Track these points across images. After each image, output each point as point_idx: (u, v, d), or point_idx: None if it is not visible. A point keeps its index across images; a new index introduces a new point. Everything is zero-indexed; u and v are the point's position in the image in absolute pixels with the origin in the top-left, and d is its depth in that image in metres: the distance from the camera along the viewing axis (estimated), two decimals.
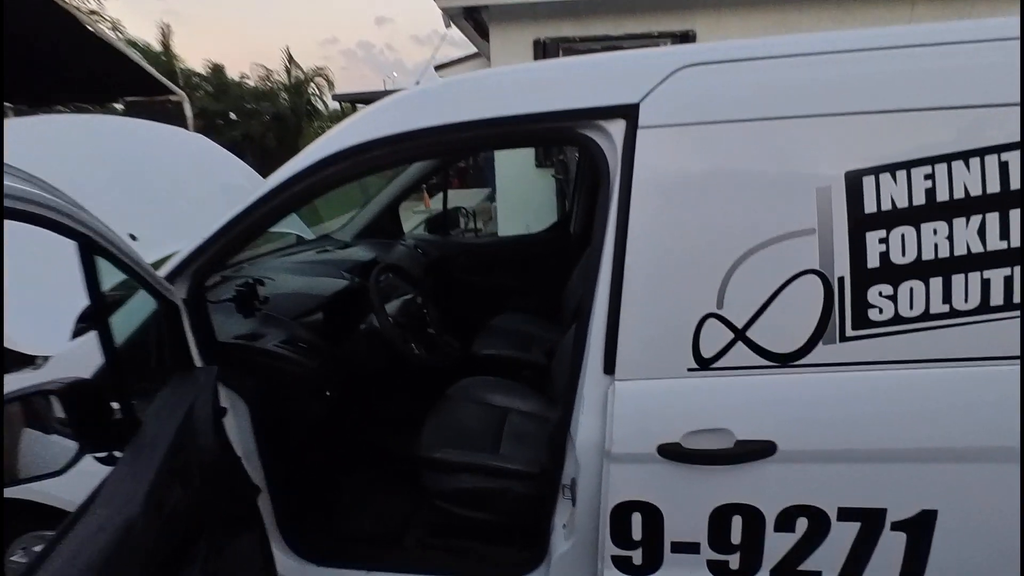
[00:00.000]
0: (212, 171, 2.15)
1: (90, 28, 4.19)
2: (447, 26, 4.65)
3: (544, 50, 4.39)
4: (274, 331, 1.44)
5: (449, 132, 1.06)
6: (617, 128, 1.01)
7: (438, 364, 1.65)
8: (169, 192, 2.02)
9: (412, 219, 5.55)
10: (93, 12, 11.01)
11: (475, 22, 4.62)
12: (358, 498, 1.73)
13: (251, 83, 17.61)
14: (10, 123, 2.16)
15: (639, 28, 4.31)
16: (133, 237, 1.76)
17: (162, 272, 1.18)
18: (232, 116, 16.66)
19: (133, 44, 14.58)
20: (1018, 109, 0.88)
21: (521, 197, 4.59)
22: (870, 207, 0.93)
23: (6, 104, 5.40)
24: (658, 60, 1.02)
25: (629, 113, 0.99)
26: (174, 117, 5.15)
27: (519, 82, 1.10)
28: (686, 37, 4.26)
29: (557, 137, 1.11)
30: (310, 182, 1.14)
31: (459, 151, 1.24)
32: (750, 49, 0.98)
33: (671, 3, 4.17)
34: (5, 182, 0.60)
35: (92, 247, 0.80)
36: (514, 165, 4.70)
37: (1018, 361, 0.92)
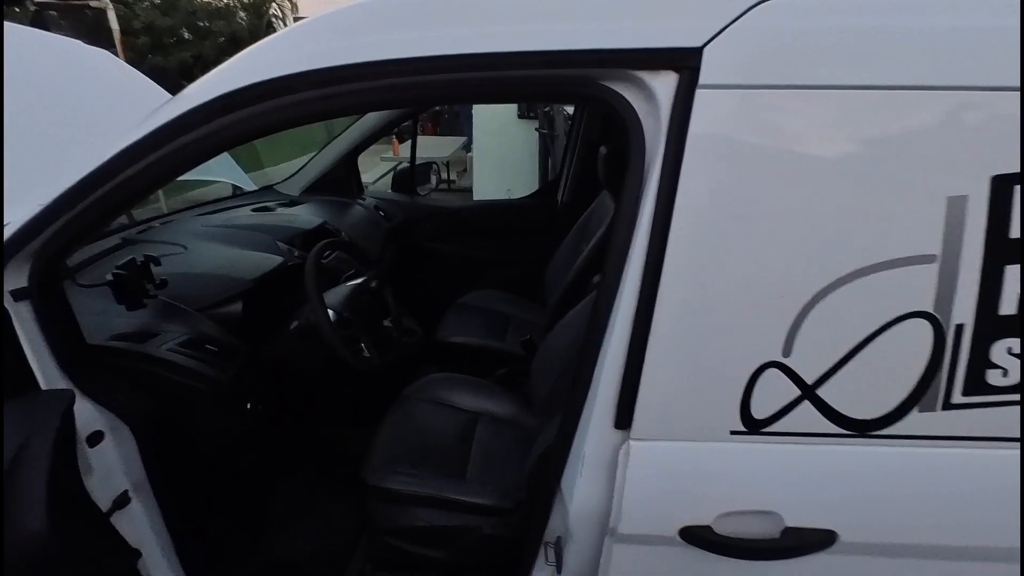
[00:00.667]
0: (113, 96, 1.68)
1: None
2: None
3: None
4: (171, 328, 1.09)
5: (394, 71, 0.70)
6: (664, 84, 0.67)
7: (393, 366, 1.34)
8: (55, 121, 1.57)
9: (378, 167, 5.05)
10: None
11: None
12: (291, 521, 1.45)
13: None
14: None
15: None
16: None
17: None
18: (185, 35, 15.03)
19: None
20: None
21: (500, 151, 4.16)
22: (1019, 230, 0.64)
23: None
24: None
25: (684, 62, 0.66)
26: (94, 29, 4.34)
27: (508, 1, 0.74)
28: None
29: (566, 92, 0.76)
30: (205, 131, 0.77)
31: (407, 102, 0.86)
32: None
33: None
34: None
35: None
36: (494, 115, 4.21)
37: None
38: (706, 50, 0.64)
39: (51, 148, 1.36)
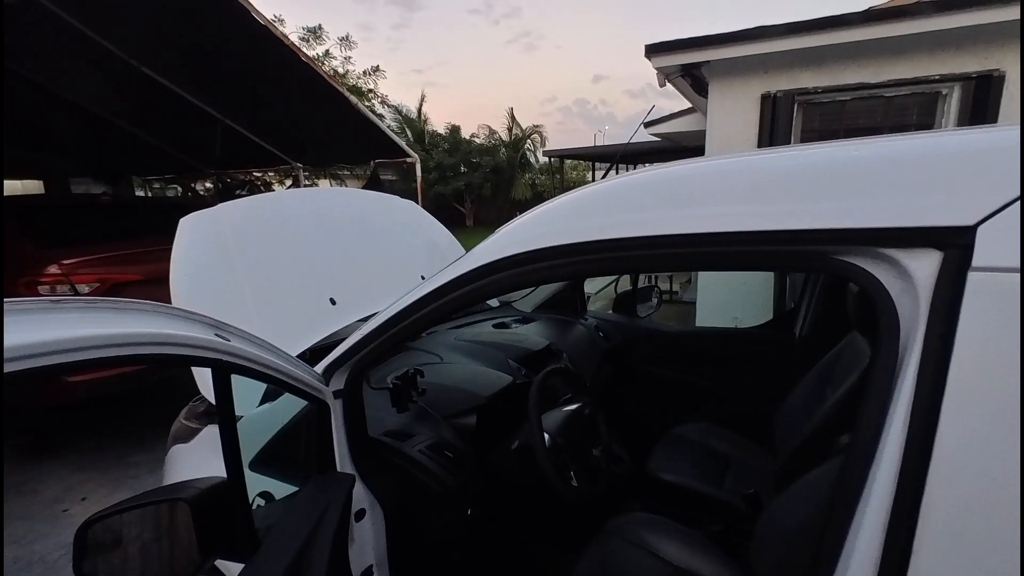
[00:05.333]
0: (415, 234, 2.25)
1: (357, 109, 5.12)
2: (661, 85, 4.42)
3: (774, 106, 3.82)
4: (424, 431, 1.32)
5: (626, 248, 0.79)
6: (923, 265, 0.61)
7: (598, 497, 1.33)
8: (373, 257, 2.16)
9: (604, 287, 5.34)
10: (370, 90, 13.92)
11: (693, 78, 4.30)
12: None
13: (479, 140, 20.03)
14: (272, 195, 2.61)
15: (910, 71, 3.43)
16: (332, 301, 1.90)
17: (324, 364, 1.16)
18: (461, 168, 19.16)
19: (397, 110, 18.02)
20: None
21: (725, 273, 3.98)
22: None
23: (299, 165, 7.01)
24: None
25: (951, 241, 0.59)
26: (409, 174, 6.06)
27: (735, 182, 0.77)
28: (986, 82, 3.23)
29: (799, 265, 0.74)
30: (477, 286, 0.99)
31: (646, 269, 0.94)
32: None
33: (962, 36, 3.21)
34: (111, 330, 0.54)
35: (225, 369, 0.74)
36: None
37: None
38: (981, 229, 0.57)
39: (370, 279, 1.89)
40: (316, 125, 5.71)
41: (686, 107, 6.94)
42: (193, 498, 0.85)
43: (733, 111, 4.02)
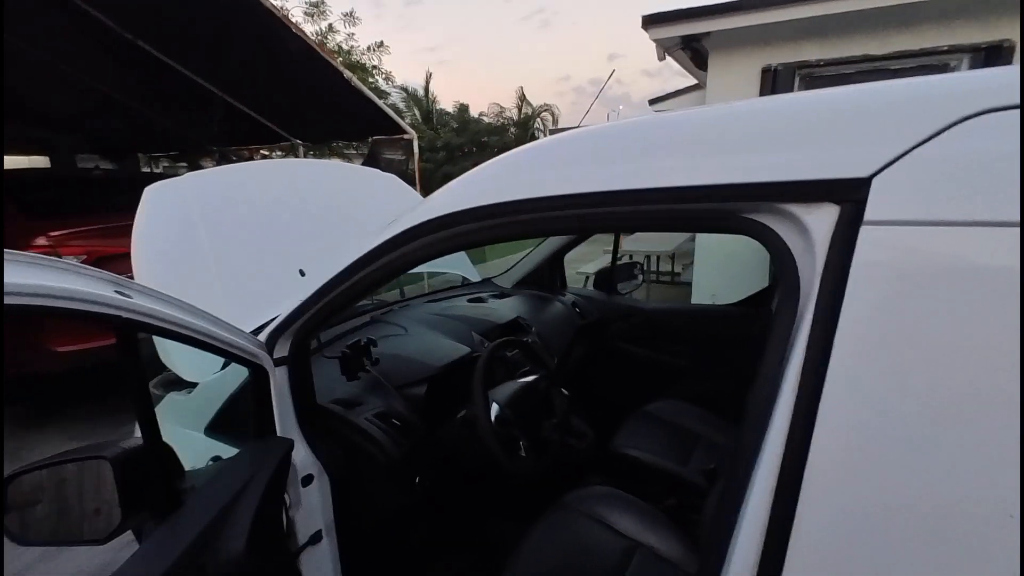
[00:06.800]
0: (396, 207, 2.22)
1: (353, 84, 5.06)
2: (661, 59, 4.30)
3: (775, 79, 3.70)
4: (373, 400, 1.32)
5: (544, 207, 0.76)
6: (821, 220, 0.57)
7: (549, 470, 1.33)
8: (348, 230, 2.15)
9: (599, 260, 5.29)
10: (374, 67, 13.77)
11: (693, 51, 4.17)
12: None
13: (488, 120, 19.80)
14: (256, 164, 2.61)
15: (917, 43, 3.28)
16: (302, 272, 1.89)
17: (267, 331, 1.15)
18: (469, 149, 18.98)
19: (404, 88, 17.82)
20: None
21: (726, 248, 3.91)
22: None
23: (298, 142, 6.99)
24: (929, 95, 0.56)
25: (847, 194, 0.55)
26: (404, 150, 6.03)
27: (656, 137, 0.74)
28: (996, 52, 3.09)
29: (709, 224, 0.71)
30: (401, 252, 0.97)
31: (564, 229, 0.92)
32: None
33: (970, 4, 3.06)
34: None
35: (128, 327, 0.74)
36: None
37: None
38: (876, 180, 0.54)
39: (344, 252, 1.87)
40: (311, 101, 5.67)
41: (691, 83, 6.76)
42: (115, 457, 0.85)
43: (734, 85, 3.90)
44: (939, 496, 0.49)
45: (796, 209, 0.60)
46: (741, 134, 0.67)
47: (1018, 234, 0.47)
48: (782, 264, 0.62)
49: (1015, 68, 0.54)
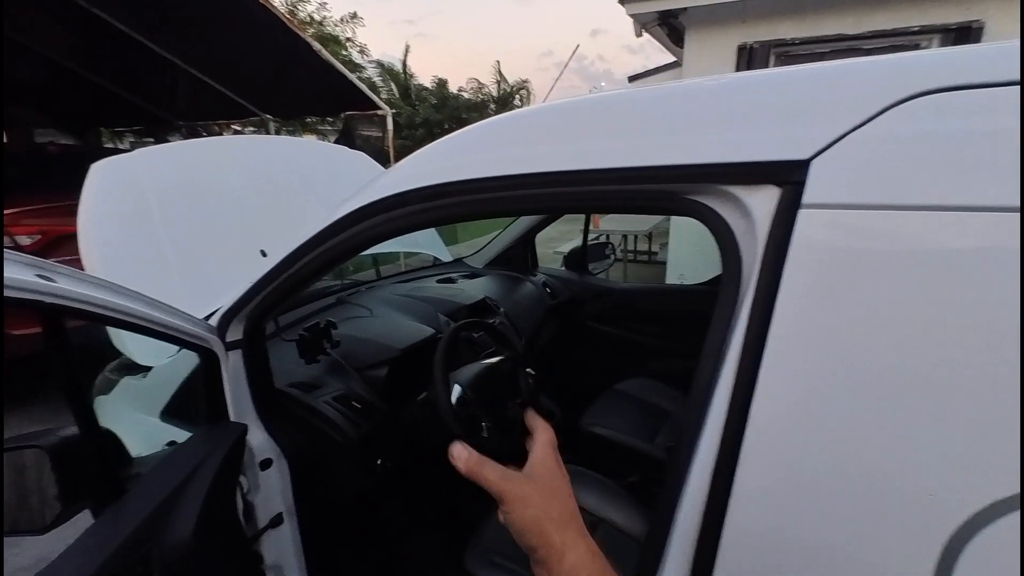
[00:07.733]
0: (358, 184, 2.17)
1: (323, 57, 4.88)
2: (638, 35, 4.24)
3: (750, 56, 3.68)
4: (333, 383, 1.30)
5: (490, 187, 0.74)
6: (762, 202, 0.57)
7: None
8: (312, 209, 2.09)
9: (577, 240, 5.28)
10: (348, 39, 13.33)
11: (670, 28, 4.12)
12: None
13: (467, 95, 19.45)
14: (221, 139, 2.50)
15: (890, 22, 3.29)
16: (263, 253, 1.84)
17: (218, 315, 1.12)
18: (448, 126, 18.67)
19: (380, 63, 17.32)
20: None
21: (696, 227, 3.93)
22: None
23: (268, 116, 6.77)
24: (866, 77, 0.55)
25: (786, 176, 0.54)
26: (380, 127, 5.89)
27: (598, 115, 0.72)
28: (966, 33, 3.11)
29: (653, 205, 0.70)
30: (353, 232, 0.94)
31: (511, 211, 0.90)
32: None
33: None
34: None
35: (53, 312, 0.70)
36: None
37: None
38: (815, 163, 0.53)
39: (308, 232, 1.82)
40: (281, 74, 5.47)
41: (671, 60, 6.71)
42: (51, 445, 0.82)
43: (710, 63, 3.88)
44: (865, 468, 0.50)
45: (738, 191, 0.59)
46: (684, 114, 0.65)
47: (952, 217, 0.47)
48: (725, 245, 0.62)
49: (953, 49, 0.53)
